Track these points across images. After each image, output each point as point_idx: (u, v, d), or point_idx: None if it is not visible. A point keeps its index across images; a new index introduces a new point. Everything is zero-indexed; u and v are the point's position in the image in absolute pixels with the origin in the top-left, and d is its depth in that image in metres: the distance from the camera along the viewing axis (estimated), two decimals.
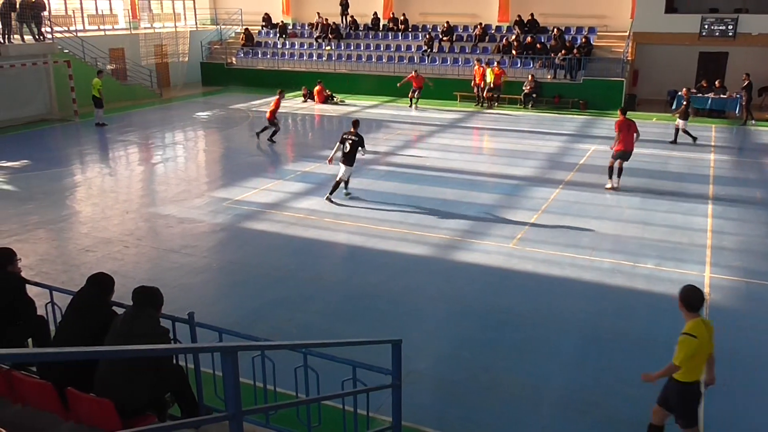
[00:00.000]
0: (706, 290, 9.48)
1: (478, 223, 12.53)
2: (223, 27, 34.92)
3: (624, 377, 7.34)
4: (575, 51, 26.19)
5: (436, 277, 10.13)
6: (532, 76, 25.82)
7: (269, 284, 9.93)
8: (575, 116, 24.35)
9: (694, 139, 19.16)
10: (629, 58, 25.90)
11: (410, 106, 25.81)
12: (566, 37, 27.78)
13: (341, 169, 13.39)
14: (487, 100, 25.94)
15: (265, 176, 16.00)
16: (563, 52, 26.42)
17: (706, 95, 23.84)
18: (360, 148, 13.26)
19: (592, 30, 28.15)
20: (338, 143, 13.39)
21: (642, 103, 25.86)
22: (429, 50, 29.08)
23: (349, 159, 13.24)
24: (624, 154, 14.37)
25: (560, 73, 26.35)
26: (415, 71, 25.81)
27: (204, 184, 15.39)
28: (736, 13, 24.56)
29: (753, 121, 22.37)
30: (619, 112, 14.73)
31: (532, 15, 28.94)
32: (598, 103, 25.15)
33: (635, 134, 14.28)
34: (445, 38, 29.42)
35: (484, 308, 9.10)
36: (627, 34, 26.65)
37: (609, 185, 14.66)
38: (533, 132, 21.58)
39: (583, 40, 27.05)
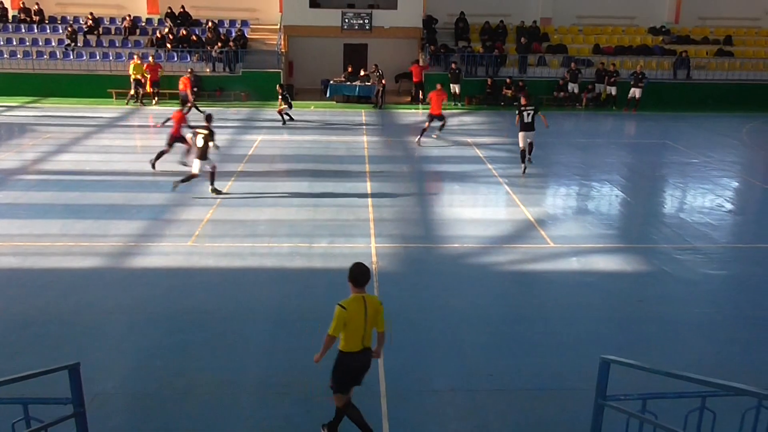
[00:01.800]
0: (373, 259, 10.50)
1: (152, 224, 11.97)
2: None
3: (313, 353, 7.73)
4: (231, 43, 26.44)
5: (112, 288, 9.40)
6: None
7: None
8: (239, 108, 24.69)
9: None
10: (283, 50, 27.09)
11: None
12: (221, 30, 27.88)
13: (196, 164, 13.43)
14: (149, 96, 24.77)
15: None
16: (219, 44, 26.47)
17: (353, 83, 26.16)
18: (212, 143, 13.40)
19: (245, 23, 28.74)
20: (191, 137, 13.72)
21: (300, 92, 27.33)
22: (73, 44, 26.57)
23: (202, 153, 13.36)
24: (434, 117, 18.97)
25: (219, 66, 26.39)
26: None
27: None
28: (370, 9, 27.41)
29: (381, 107, 25.27)
30: (438, 86, 19.42)
31: (183, 7, 28.37)
32: (259, 93, 25.86)
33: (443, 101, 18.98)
34: (90, 32, 27.16)
35: (169, 312, 8.74)
36: (278, 27, 27.82)
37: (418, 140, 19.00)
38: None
39: (238, 32, 27.46)
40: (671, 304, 9.30)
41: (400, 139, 20.10)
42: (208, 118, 13.74)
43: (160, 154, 15.40)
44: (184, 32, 26.98)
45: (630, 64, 26.97)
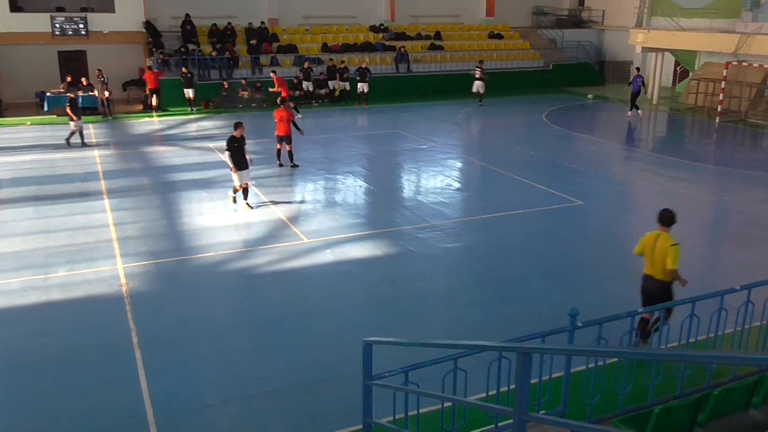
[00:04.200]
0: (122, 281, 9.77)
1: None
2: None
3: (61, 394, 6.99)
4: None
5: None
6: None
7: None
8: None
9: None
10: None
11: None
12: None
13: (241, 175, 13.03)
14: None
15: None
16: None
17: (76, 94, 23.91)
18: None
19: None
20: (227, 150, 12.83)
21: (10, 107, 24.26)
22: None
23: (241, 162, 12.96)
24: (283, 138, 16.16)
25: None
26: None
27: None
28: (84, 12, 25.24)
29: (111, 117, 23.60)
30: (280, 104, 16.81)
31: None
32: None
33: (290, 121, 16.10)
34: None
35: None
36: None
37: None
38: None
39: None
40: (419, 280, 10.10)
41: (135, 150, 18.90)
42: (237, 125, 13.11)
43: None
44: None
45: (356, 60, 28.49)
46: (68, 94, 19.69)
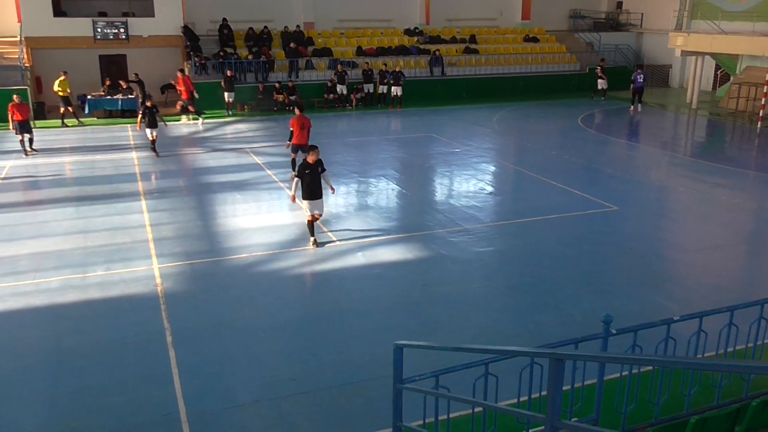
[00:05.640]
0: (157, 281, 9.94)
1: None
2: None
3: (100, 390, 7.14)
4: None
5: None
6: None
7: None
8: None
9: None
10: (27, 65, 24.45)
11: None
12: None
13: (312, 204, 11.28)
14: None
15: None
16: None
17: (115, 97, 24.45)
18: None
19: None
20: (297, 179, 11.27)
21: (53, 109, 24.89)
22: None
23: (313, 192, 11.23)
24: (299, 147, 14.82)
25: None
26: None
27: None
28: (125, 17, 25.80)
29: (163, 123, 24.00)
30: (296, 110, 15.29)
31: None
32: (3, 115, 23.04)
33: (309, 128, 15.07)
34: None
35: None
36: (18, 39, 25.02)
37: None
38: None
39: None
40: (451, 284, 10.05)
41: (171, 153, 19.22)
42: (312, 148, 11.44)
43: None
44: None
45: (391, 64, 28.54)
46: (146, 102, 18.48)
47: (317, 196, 11.21)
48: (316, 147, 11.23)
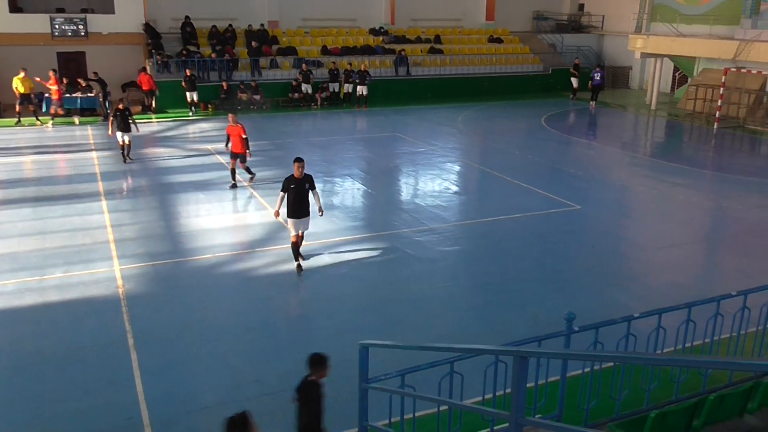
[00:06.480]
0: (118, 282, 9.75)
1: None
2: None
3: (60, 396, 6.97)
4: None
5: None
6: None
7: None
8: None
9: None
10: None
11: None
12: None
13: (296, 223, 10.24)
14: None
15: None
16: None
17: (74, 95, 23.90)
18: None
19: None
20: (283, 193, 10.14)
21: (8, 108, 24.21)
22: None
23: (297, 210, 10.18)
24: (236, 155, 14.53)
25: None
26: None
27: None
28: (84, 13, 25.24)
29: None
30: (229, 117, 14.52)
31: None
32: None
33: (240, 136, 14.32)
34: None
35: None
36: None
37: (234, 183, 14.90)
38: None
39: None
40: (417, 283, 10.09)
41: (133, 151, 18.86)
42: (298, 158, 10.25)
43: None
44: None
45: (356, 63, 28.49)
46: (119, 105, 17.01)
47: (302, 214, 10.16)
48: (302, 159, 10.05)
